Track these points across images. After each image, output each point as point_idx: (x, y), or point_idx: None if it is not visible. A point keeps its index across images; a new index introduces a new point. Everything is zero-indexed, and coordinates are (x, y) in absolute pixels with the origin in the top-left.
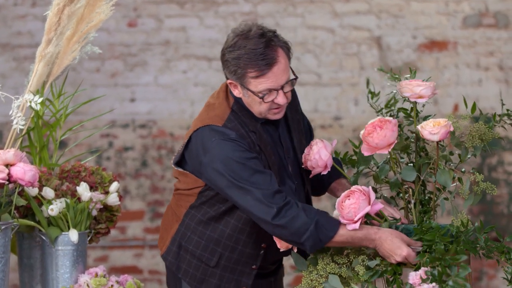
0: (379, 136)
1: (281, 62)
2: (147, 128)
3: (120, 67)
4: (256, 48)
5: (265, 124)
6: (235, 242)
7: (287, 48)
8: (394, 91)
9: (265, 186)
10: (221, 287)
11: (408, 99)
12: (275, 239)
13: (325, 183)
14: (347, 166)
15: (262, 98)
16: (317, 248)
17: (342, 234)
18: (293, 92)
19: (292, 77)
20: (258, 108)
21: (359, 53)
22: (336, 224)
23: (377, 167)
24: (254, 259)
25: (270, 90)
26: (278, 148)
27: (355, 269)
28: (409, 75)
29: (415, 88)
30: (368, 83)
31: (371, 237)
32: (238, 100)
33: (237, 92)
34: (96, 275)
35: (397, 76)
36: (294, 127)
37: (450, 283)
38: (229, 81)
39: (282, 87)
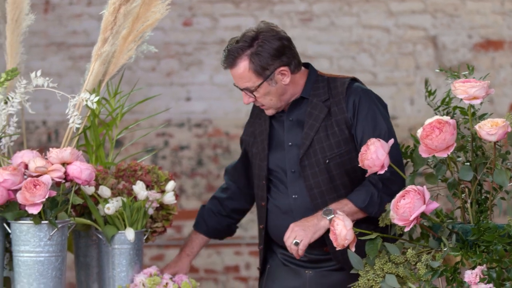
0: (439, 139)
1: (238, 68)
2: (203, 127)
3: (175, 66)
4: (227, 46)
5: (273, 118)
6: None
7: (257, 58)
8: (450, 89)
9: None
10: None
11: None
12: (331, 237)
13: None
14: (406, 161)
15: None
16: None
17: None
18: (357, 90)
19: (256, 84)
20: None
21: (414, 53)
22: None
23: (434, 166)
24: (260, 238)
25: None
26: (275, 142)
27: (417, 267)
28: (467, 72)
29: (469, 90)
30: (427, 82)
31: None
32: None
33: None
34: (151, 275)
35: (456, 73)
36: (309, 121)
37: (508, 285)
38: None
39: (242, 89)
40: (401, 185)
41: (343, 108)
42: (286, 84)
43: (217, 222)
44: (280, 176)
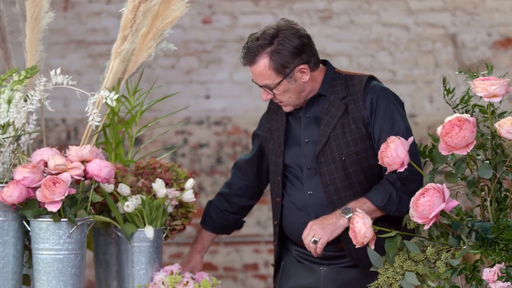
0: (459, 137)
1: (258, 65)
2: (222, 125)
3: (195, 64)
4: (246, 42)
5: (290, 115)
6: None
7: (278, 56)
8: (469, 87)
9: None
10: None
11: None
12: (351, 235)
13: None
14: (425, 160)
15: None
16: None
17: None
18: (375, 90)
19: (276, 82)
20: None
21: (433, 50)
22: None
23: (454, 164)
24: (274, 234)
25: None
26: (292, 138)
27: (437, 265)
28: (486, 72)
29: (488, 88)
30: (444, 81)
31: None
32: None
33: None
34: (172, 273)
35: (475, 74)
36: (326, 118)
37: None
38: None
39: (262, 86)
40: (419, 184)
41: (360, 106)
42: (305, 81)
43: (224, 219)
44: (295, 172)
